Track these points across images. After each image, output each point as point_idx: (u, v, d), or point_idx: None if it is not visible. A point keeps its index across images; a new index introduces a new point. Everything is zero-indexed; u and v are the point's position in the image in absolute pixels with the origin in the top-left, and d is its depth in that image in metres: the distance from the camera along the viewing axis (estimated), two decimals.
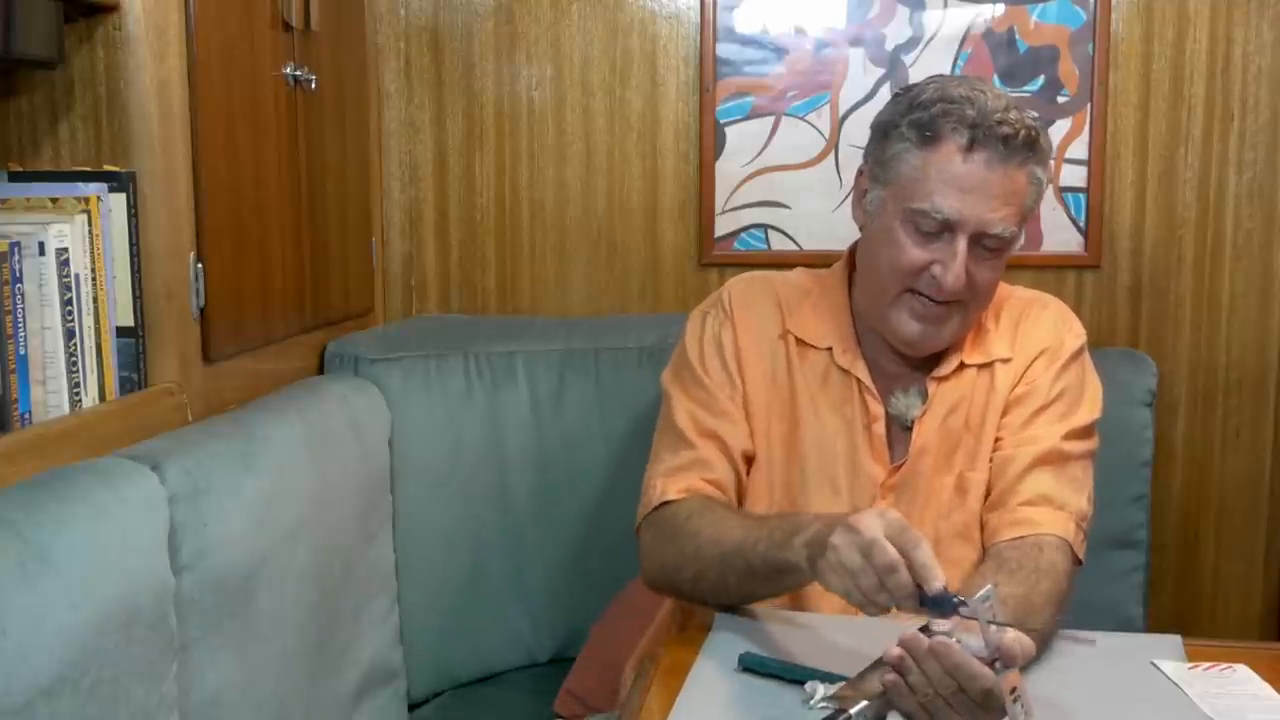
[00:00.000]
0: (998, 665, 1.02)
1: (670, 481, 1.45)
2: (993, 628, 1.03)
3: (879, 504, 1.43)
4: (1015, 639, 1.04)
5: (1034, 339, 1.48)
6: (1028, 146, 1.36)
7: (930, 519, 1.43)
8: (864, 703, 1.07)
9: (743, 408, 1.48)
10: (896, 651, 1.04)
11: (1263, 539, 2.11)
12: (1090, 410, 1.47)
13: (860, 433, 1.45)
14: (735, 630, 1.30)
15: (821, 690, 1.13)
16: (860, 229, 1.48)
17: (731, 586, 1.32)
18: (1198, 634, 1.34)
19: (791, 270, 1.60)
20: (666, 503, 1.43)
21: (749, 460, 1.48)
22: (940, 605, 1.06)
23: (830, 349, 1.48)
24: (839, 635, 1.29)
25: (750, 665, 1.20)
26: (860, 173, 1.47)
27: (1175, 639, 1.28)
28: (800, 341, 1.50)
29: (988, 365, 1.47)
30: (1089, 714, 1.12)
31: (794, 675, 1.17)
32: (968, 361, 1.46)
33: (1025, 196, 1.39)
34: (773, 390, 1.49)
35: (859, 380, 1.46)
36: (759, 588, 1.31)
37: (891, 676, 1.05)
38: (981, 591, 1.04)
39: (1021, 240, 1.43)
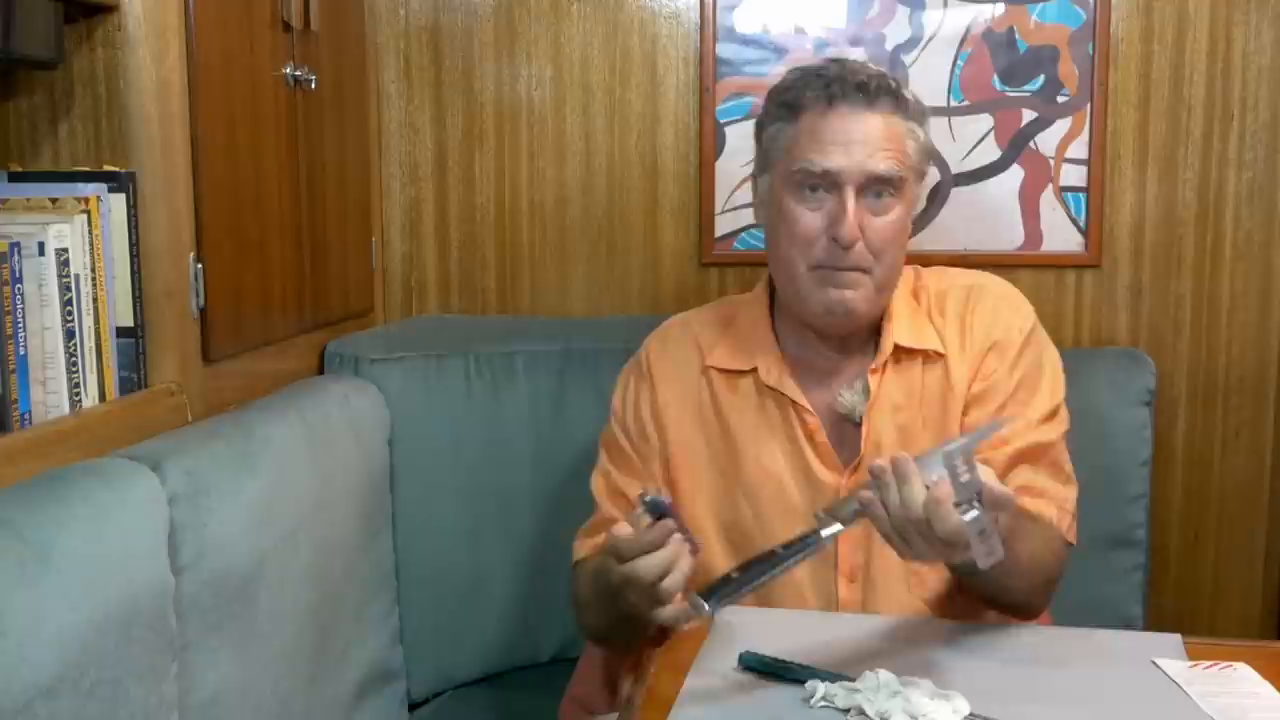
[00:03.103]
0: (966, 505, 1.09)
1: (582, 543, 1.50)
2: (974, 475, 1.09)
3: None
4: (992, 480, 1.11)
5: (981, 330, 1.46)
6: (890, 95, 1.39)
7: None
8: (837, 526, 1.16)
9: (662, 464, 1.49)
10: (880, 463, 1.12)
11: (1263, 539, 2.11)
12: (1053, 392, 1.45)
13: (805, 446, 1.45)
14: (736, 629, 1.30)
15: (822, 689, 1.13)
16: (763, 226, 1.49)
17: (610, 636, 1.39)
18: (1198, 633, 1.34)
19: (713, 302, 1.63)
20: (579, 563, 1.49)
21: None
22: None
23: (755, 369, 1.48)
24: (840, 634, 1.29)
25: (750, 664, 1.20)
26: (752, 177, 1.50)
27: (1176, 638, 1.28)
28: (724, 372, 1.49)
29: (936, 358, 1.45)
30: (1089, 713, 1.12)
31: (794, 674, 1.17)
32: (902, 343, 1.44)
33: (903, 144, 1.40)
34: (703, 433, 1.49)
35: (790, 398, 1.45)
36: (626, 632, 1.34)
37: (868, 494, 1.12)
38: (957, 443, 1.11)
39: (919, 196, 1.45)
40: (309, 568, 1.53)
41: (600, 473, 1.54)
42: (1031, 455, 1.41)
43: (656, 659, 1.27)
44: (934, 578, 1.41)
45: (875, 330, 1.47)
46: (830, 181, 1.38)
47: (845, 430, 1.45)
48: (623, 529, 1.21)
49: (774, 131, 1.44)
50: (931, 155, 1.48)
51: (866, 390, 1.44)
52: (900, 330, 1.45)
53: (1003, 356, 1.45)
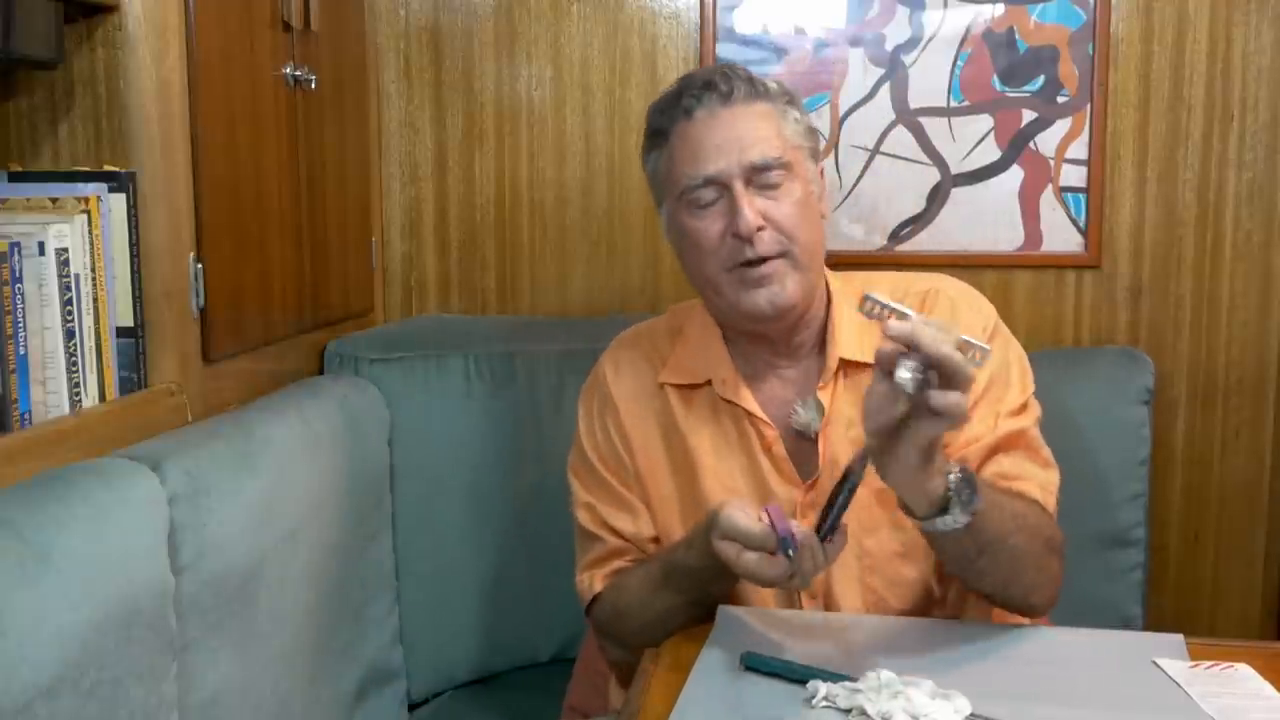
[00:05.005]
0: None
1: (595, 574, 1.47)
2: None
3: (802, 524, 1.41)
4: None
5: None
6: (744, 82, 1.39)
7: (854, 534, 1.36)
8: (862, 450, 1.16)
9: (640, 487, 1.47)
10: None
11: (1263, 539, 2.11)
12: (1023, 387, 1.43)
13: (761, 458, 1.42)
14: (738, 629, 1.30)
15: (824, 689, 1.13)
16: (679, 257, 1.47)
17: (684, 625, 1.34)
18: (1198, 634, 1.33)
19: (662, 314, 1.60)
20: (598, 597, 1.46)
21: (656, 538, 1.47)
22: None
23: (709, 381, 1.45)
24: (842, 634, 1.29)
25: (753, 664, 1.20)
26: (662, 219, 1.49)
27: (1177, 638, 1.28)
28: (679, 388, 1.47)
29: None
30: (1090, 713, 1.12)
31: (797, 674, 1.17)
32: (846, 357, 1.41)
33: (774, 125, 1.39)
34: (666, 450, 1.47)
35: (746, 410, 1.43)
36: (702, 610, 1.33)
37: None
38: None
39: (815, 175, 1.42)
40: (309, 568, 1.53)
41: (584, 506, 1.49)
42: (1006, 443, 1.39)
43: (656, 660, 1.27)
44: (893, 597, 1.40)
45: (821, 341, 1.45)
46: (716, 186, 1.36)
47: (803, 445, 1.42)
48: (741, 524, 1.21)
49: (653, 163, 1.44)
50: (814, 132, 1.46)
51: (819, 406, 1.41)
52: (846, 343, 1.42)
53: None
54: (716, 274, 1.38)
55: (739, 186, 1.35)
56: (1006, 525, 1.26)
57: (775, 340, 1.44)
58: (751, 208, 1.34)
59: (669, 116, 1.40)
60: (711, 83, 1.38)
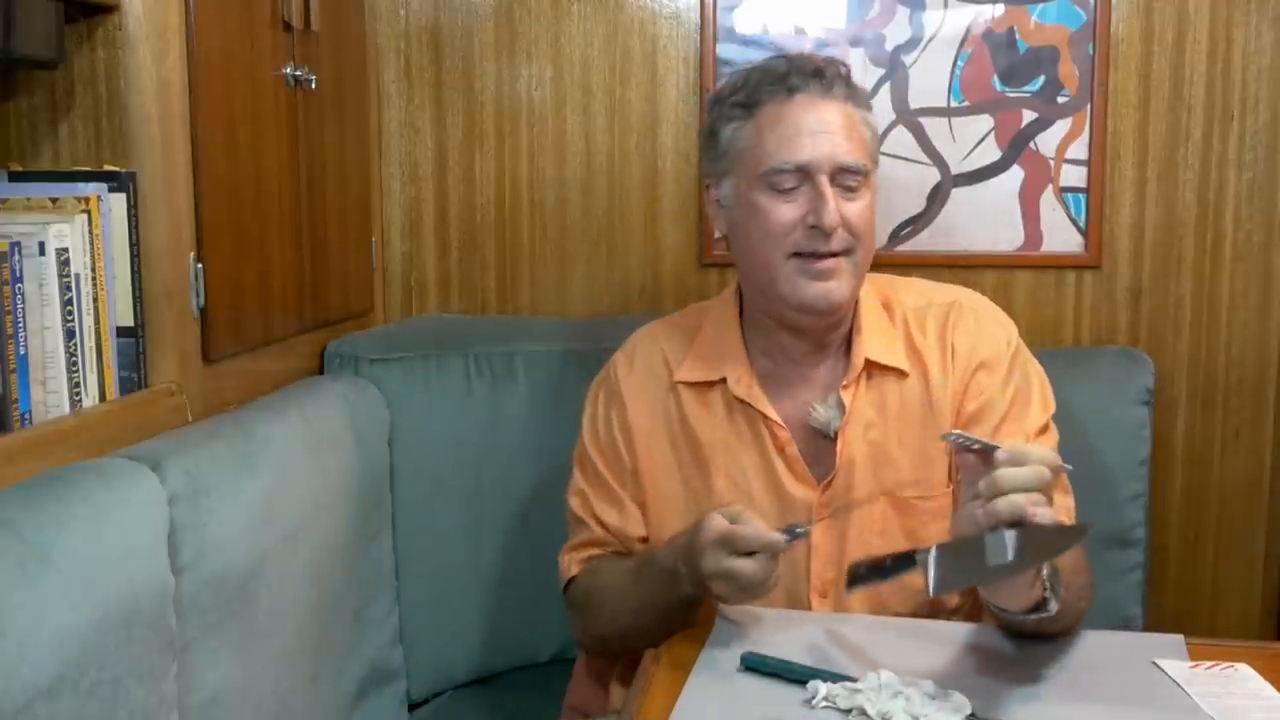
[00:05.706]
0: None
1: (573, 557, 1.52)
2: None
3: (817, 524, 1.41)
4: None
5: (965, 348, 1.44)
6: (843, 82, 1.40)
7: (864, 536, 1.40)
8: (932, 547, 1.13)
9: (636, 484, 1.49)
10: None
11: (1263, 539, 2.11)
12: (1044, 405, 1.45)
13: (775, 458, 1.43)
14: (737, 629, 1.30)
15: (824, 690, 1.13)
16: (727, 234, 1.48)
17: (651, 626, 1.35)
18: (1197, 634, 1.34)
19: (679, 311, 1.61)
20: (574, 579, 1.51)
21: (645, 538, 1.49)
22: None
23: (724, 379, 1.46)
24: (841, 634, 1.29)
25: (752, 665, 1.20)
26: (706, 188, 1.49)
27: (1178, 638, 1.28)
28: (692, 386, 1.48)
29: (904, 375, 1.43)
30: (1090, 713, 1.12)
31: (796, 675, 1.17)
32: (873, 358, 1.43)
33: (862, 134, 1.41)
34: (673, 449, 1.48)
35: (760, 411, 1.44)
36: (671, 617, 1.34)
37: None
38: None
39: (873, 173, 1.44)
40: (309, 568, 1.53)
41: (577, 493, 1.53)
42: None
43: (656, 660, 1.27)
44: (896, 601, 1.41)
45: (845, 341, 1.46)
46: (800, 174, 1.37)
47: (818, 444, 1.43)
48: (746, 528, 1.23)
49: (730, 133, 1.43)
50: (880, 142, 1.50)
51: (841, 405, 1.42)
52: (872, 345, 1.44)
53: (993, 373, 1.43)
54: (777, 258, 1.39)
55: (824, 180, 1.36)
56: (1073, 584, 1.26)
57: (809, 336, 1.45)
58: (834, 204, 1.36)
59: (767, 90, 1.40)
60: (820, 70, 1.40)
